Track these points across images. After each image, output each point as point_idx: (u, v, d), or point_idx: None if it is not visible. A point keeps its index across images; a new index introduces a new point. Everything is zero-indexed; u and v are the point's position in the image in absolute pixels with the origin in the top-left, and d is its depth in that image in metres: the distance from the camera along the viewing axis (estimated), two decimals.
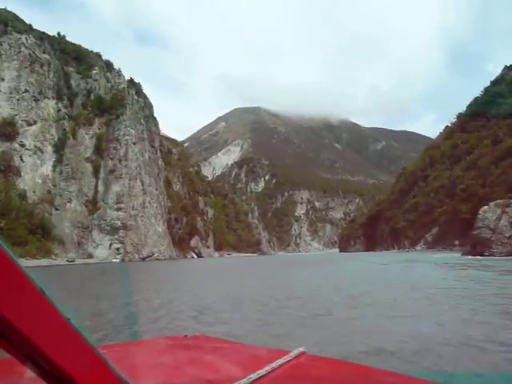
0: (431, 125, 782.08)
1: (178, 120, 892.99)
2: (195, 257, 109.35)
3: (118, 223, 73.99)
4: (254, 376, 0.93)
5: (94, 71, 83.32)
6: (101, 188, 75.44)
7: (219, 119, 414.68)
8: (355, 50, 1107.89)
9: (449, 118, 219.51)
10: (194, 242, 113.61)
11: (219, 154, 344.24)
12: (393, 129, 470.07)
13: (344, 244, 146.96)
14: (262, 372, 0.96)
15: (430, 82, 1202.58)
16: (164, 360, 1.31)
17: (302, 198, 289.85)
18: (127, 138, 77.26)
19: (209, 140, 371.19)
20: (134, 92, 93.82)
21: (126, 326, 8.21)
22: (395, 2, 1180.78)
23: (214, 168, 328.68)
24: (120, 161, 76.05)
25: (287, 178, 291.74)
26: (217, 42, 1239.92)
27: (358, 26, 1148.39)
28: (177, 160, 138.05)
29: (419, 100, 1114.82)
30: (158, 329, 7.36)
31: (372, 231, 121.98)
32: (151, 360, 1.32)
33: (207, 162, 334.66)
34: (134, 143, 78.48)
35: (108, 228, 73.76)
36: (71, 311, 0.59)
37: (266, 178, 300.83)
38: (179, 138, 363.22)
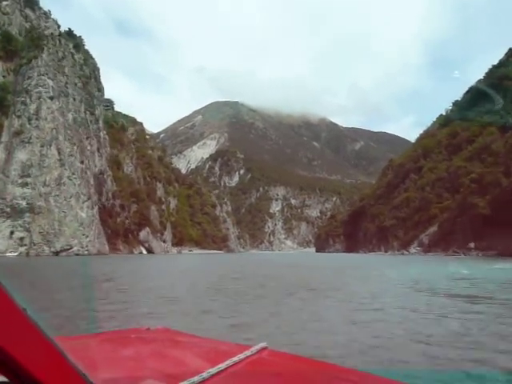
0: (410, 128, 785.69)
1: (157, 112, 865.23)
2: (145, 252, 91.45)
3: (23, 204, 54.62)
4: (213, 370, 0.91)
5: (4, 2, 62.17)
6: (1, 155, 55.36)
7: (196, 112, 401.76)
8: (338, 48, 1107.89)
9: (427, 122, 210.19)
10: (143, 234, 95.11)
11: (194, 147, 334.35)
12: (371, 130, 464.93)
13: (321, 243, 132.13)
14: (221, 366, 0.94)
15: (410, 85, 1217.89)
16: (125, 353, 1.28)
17: (277, 195, 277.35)
18: (41, 89, 56.99)
19: (185, 133, 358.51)
20: (71, 46, 74.06)
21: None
22: (381, 4, 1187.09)
23: (188, 161, 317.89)
24: (30, 120, 56.12)
25: (263, 174, 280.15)
26: (197, 34, 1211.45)
27: (343, 25, 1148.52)
28: (133, 140, 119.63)
29: (398, 102, 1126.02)
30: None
31: (354, 230, 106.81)
32: (111, 353, 1.28)
33: (182, 155, 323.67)
34: (51, 98, 58.16)
35: (8, 210, 54.45)
36: (26, 302, 0.55)
37: (241, 172, 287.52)
38: (156, 130, 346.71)
